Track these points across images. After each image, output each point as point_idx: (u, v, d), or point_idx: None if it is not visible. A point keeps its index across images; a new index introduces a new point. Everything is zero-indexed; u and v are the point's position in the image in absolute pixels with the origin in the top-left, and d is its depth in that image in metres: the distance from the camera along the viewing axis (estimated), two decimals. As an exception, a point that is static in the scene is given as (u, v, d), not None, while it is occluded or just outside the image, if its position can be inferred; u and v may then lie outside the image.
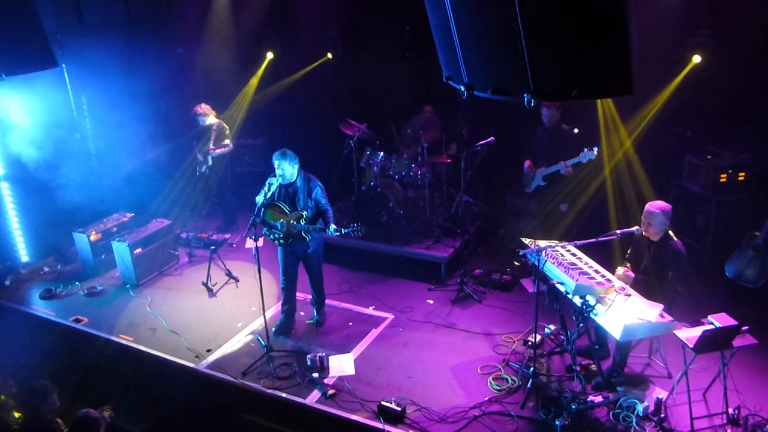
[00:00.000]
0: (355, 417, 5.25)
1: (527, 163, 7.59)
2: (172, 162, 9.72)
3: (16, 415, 4.82)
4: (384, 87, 9.39)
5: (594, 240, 5.27)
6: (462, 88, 3.39)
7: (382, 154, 8.17)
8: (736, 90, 7.16)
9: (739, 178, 7.36)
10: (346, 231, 5.95)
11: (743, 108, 7.19)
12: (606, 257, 5.87)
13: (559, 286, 5.23)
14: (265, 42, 9.95)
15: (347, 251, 8.08)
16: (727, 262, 6.81)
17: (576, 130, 7.77)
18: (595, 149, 6.79)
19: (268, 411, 5.63)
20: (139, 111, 9.46)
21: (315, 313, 6.77)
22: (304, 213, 6.04)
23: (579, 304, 5.05)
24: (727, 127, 7.50)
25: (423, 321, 6.74)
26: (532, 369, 5.47)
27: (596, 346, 5.70)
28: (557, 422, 4.93)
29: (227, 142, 8.79)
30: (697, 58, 7.17)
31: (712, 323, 4.96)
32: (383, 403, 5.22)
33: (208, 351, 6.30)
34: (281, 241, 6.16)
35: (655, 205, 5.26)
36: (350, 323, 6.77)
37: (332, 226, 5.94)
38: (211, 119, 8.76)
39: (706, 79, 7.30)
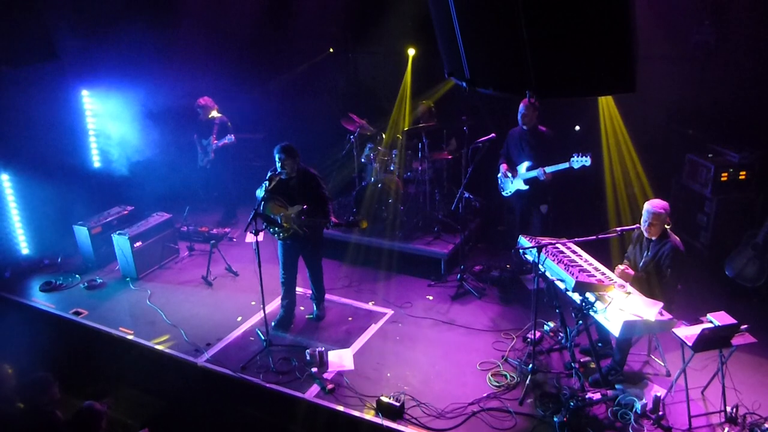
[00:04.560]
0: (353, 412, 5.26)
1: (503, 167, 7.19)
2: (173, 155, 9.71)
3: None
4: (386, 82, 9.37)
5: (594, 237, 5.27)
6: (464, 84, 3.39)
7: (382, 149, 8.18)
8: (737, 88, 7.15)
9: (740, 177, 7.35)
10: (346, 225, 5.94)
11: (745, 107, 7.18)
12: (605, 255, 5.87)
13: (558, 283, 5.24)
14: (266, 37, 9.92)
15: (347, 246, 8.08)
16: (726, 260, 6.82)
17: (577, 128, 7.76)
18: (588, 156, 6.40)
19: (267, 405, 5.65)
20: (138, 104, 9.46)
21: (314, 308, 6.78)
22: (305, 207, 6.04)
23: (578, 302, 5.06)
24: (729, 126, 7.49)
25: (422, 317, 6.75)
26: (530, 366, 5.48)
27: (599, 344, 5.71)
28: (555, 419, 4.94)
29: (230, 135, 8.79)
30: (699, 56, 7.16)
31: (711, 322, 4.96)
32: (382, 398, 5.24)
33: (208, 345, 6.31)
34: (281, 235, 6.16)
35: (656, 204, 5.26)
36: (350, 318, 6.78)
37: (332, 220, 5.94)
38: (213, 113, 8.76)
39: (707, 77, 7.28)
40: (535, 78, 2.84)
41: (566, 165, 6.52)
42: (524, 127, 6.95)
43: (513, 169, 7.11)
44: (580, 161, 6.43)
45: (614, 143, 7.75)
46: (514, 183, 7.09)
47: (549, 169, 6.63)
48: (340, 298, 7.19)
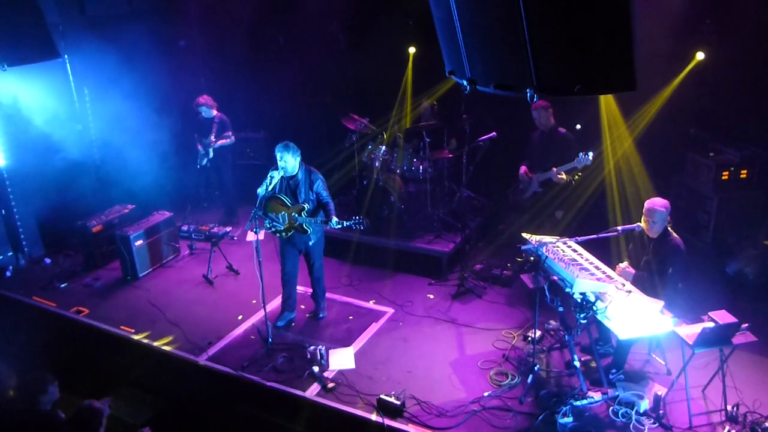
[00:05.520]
0: (354, 410, 5.26)
1: (523, 168, 7.34)
2: (174, 154, 9.72)
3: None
4: (387, 81, 9.37)
5: (595, 236, 5.27)
6: (465, 83, 3.38)
7: (383, 148, 8.18)
8: (738, 87, 7.14)
9: (741, 176, 7.36)
10: (348, 224, 5.94)
11: (746, 105, 7.17)
12: (606, 253, 5.85)
13: (559, 281, 5.23)
14: (267, 35, 9.92)
15: (348, 245, 8.07)
16: (728, 259, 6.82)
17: (578, 126, 7.74)
18: (590, 154, 6.51)
19: (267, 404, 5.65)
20: (140, 103, 9.45)
21: (315, 307, 6.78)
22: (306, 206, 6.04)
23: (579, 300, 5.05)
24: (730, 125, 7.49)
25: (423, 315, 6.75)
26: (531, 364, 5.48)
27: (600, 343, 5.71)
28: (556, 418, 4.94)
29: (229, 134, 8.80)
30: (700, 55, 7.15)
31: (712, 320, 4.96)
32: (383, 396, 5.24)
33: (209, 343, 6.31)
34: (282, 234, 6.16)
35: (657, 203, 5.26)
36: (350, 317, 6.78)
37: (334, 219, 5.94)
38: (213, 111, 8.77)
39: (709, 76, 7.27)
40: (536, 76, 2.84)
41: (572, 164, 6.58)
42: (542, 130, 7.01)
43: (532, 172, 7.17)
44: (582, 160, 6.50)
45: (615, 142, 7.76)
46: (531, 185, 7.16)
47: (559, 169, 6.69)
48: (341, 296, 7.19)
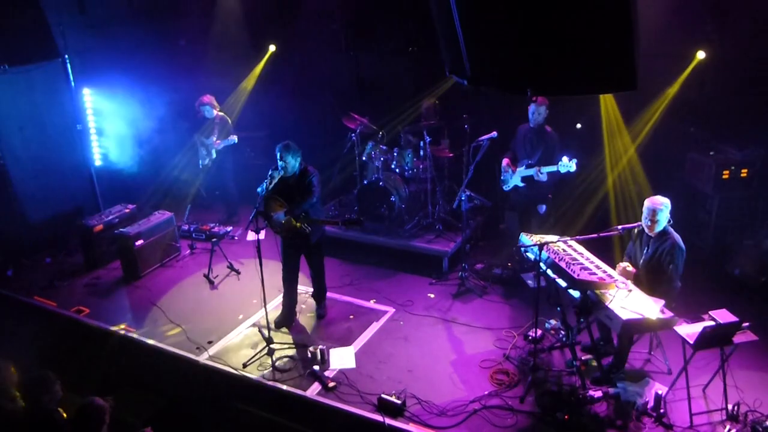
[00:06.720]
0: (355, 410, 5.26)
1: (505, 161, 7.24)
2: (174, 154, 9.73)
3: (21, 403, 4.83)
4: (387, 81, 9.37)
5: (596, 235, 5.27)
6: (465, 82, 3.39)
7: (384, 147, 8.18)
8: (740, 86, 7.13)
9: (742, 175, 7.35)
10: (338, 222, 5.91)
11: (747, 104, 7.16)
12: (607, 253, 5.83)
13: (559, 281, 5.23)
14: (268, 35, 9.93)
15: (349, 245, 8.08)
16: (729, 258, 6.81)
17: (579, 126, 7.74)
18: (575, 161, 6.44)
19: (268, 403, 5.65)
20: (140, 103, 9.48)
21: (316, 306, 6.79)
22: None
23: (579, 299, 5.05)
24: (731, 124, 7.48)
25: (424, 315, 6.75)
26: (532, 363, 5.48)
27: (601, 342, 5.71)
28: (557, 416, 4.94)
29: (232, 135, 8.80)
30: (701, 54, 7.15)
31: (712, 319, 4.95)
32: (383, 396, 5.24)
33: (209, 343, 6.31)
34: (284, 233, 6.16)
35: (657, 201, 5.25)
36: (351, 316, 6.78)
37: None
38: (214, 112, 8.77)
39: (710, 75, 7.28)
40: (537, 75, 2.85)
41: (555, 168, 6.55)
42: (531, 125, 6.99)
43: (515, 164, 7.14)
44: (566, 166, 6.47)
45: (615, 141, 7.76)
46: (513, 179, 7.13)
47: (543, 170, 6.68)
48: (341, 296, 7.19)
